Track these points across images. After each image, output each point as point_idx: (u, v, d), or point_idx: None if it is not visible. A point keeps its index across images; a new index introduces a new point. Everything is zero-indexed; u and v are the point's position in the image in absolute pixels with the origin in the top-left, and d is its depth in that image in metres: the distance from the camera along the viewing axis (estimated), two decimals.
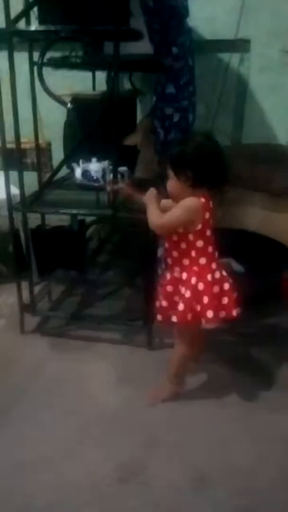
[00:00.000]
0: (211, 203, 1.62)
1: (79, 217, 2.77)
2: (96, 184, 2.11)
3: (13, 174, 1.95)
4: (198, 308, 1.63)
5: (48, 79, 1.79)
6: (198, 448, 1.59)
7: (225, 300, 1.65)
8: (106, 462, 1.52)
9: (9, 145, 1.92)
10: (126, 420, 1.71)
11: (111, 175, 1.87)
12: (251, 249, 2.67)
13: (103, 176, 2.10)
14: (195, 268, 1.66)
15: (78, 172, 2.15)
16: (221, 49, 3.00)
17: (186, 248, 1.66)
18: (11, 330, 2.21)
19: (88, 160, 2.15)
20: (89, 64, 2.43)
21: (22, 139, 1.92)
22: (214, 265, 1.67)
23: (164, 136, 1.98)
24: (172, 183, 1.61)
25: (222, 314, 1.65)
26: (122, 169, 2.06)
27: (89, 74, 2.92)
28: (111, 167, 2.06)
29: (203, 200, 1.59)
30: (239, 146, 3.13)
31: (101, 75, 2.90)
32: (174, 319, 1.66)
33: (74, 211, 2.08)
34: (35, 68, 1.94)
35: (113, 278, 2.71)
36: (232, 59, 3.00)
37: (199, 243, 1.64)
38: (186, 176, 1.57)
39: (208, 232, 1.64)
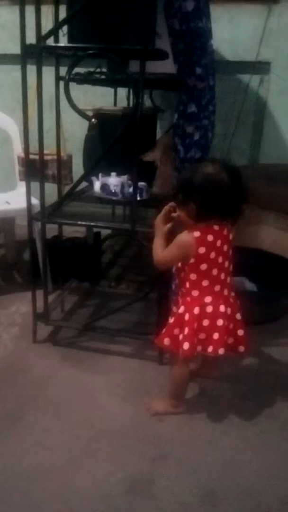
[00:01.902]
0: (210, 236, 1.57)
1: (95, 230, 2.81)
2: (114, 198, 2.14)
3: (34, 185, 1.99)
4: (180, 337, 1.64)
5: (71, 94, 1.83)
6: (207, 465, 1.58)
7: (216, 336, 1.62)
8: (114, 474, 1.53)
9: (31, 157, 1.96)
10: (135, 433, 1.71)
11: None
12: (265, 268, 2.68)
13: (122, 190, 2.14)
14: (188, 298, 1.66)
15: (97, 186, 2.19)
16: (241, 71, 3.05)
17: (182, 278, 1.68)
18: (23, 338, 2.23)
19: (107, 174, 2.19)
20: (113, 81, 2.48)
21: (44, 151, 1.96)
22: (208, 299, 1.63)
23: (184, 153, 2.00)
24: (180, 210, 1.62)
25: (210, 349, 1.63)
26: (141, 184, 2.09)
27: (110, 90, 2.98)
28: (129, 181, 2.10)
29: (196, 235, 1.56)
30: (256, 165, 3.16)
31: (121, 91, 2.96)
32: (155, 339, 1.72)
33: (92, 224, 2.11)
34: (61, 83, 1.99)
35: (126, 291, 2.73)
36: (252, 80, 3.05)
37: (192, 276, 1.63)
38: (190, 207, 1.56)
39: (204, 267, 1.60)
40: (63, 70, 1.88)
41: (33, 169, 1.99)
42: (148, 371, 2.04)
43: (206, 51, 1.97)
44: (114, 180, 2.15)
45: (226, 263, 1.64)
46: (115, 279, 2.88)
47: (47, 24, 1.86)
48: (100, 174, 2.19)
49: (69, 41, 1.86)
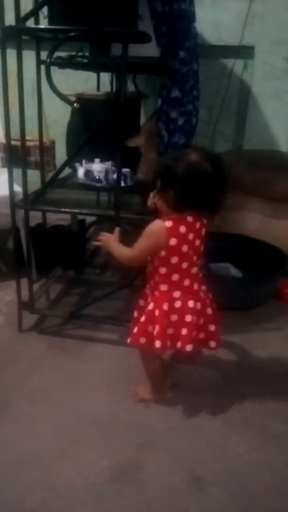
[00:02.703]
0: (182, 228, 1.50)
1: (79, 217, 2.79)
2: (98, 185, 2.12)
3: (16, 172, 1.96)
4: (155, 333, 1.59)
5: (53, 78, 1.79)
6: (193, 450, 1.60)
7: (184, 331, 1.57)
8: (100, 461, 1.53)
9: (13, 142, 1.92)
10: (121, 420, 1.71)
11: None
12: (249, 254, 2.69)
13: (106, 176, 2.11)
14: (156, 293, 1.61)
15: (80, 172, 2.16)
16: (225, 55, 3.03)
17: (151, 271, 1.62)
18: (9, 327, 2.21)
19: (91, 160, 2.16)
20: (95, 64, 2.44)
21: (26, 137, 1.92)
22: (177, 294, 1.58)
23: (168, 139, 1.99)
24: (158, 197, 1.53)
25: (178, 344, 1.58)
26: (125, 170, 2.07)
27: (92, 75, 2.94)
28: (113, 168, 2.07)
29: (168, 225, 1.49)
30: (240, 151, 3.16)
31: (104, 76, 2.92)
32: (128, 339, 1.66)
33: (76, 211, 2.08)
34: (42, 67, 1.95)
35: (112, 279, 2.71)
36: (236, 65, 3.03)
37: (162, 270, 1.57)
38: (169, 195, 1.48)
39: (175, 260, 1.54)
40: (44, 55, 1.84)
41: (15, 155, 1.95)
42: (134, 358, 2.02)
43: (189, 34, 1.95)
44: (98, 167, 2.13)
45: (195, 257, 1.58)
46: (100, 267, 2.86)
47: (27, 5, 1.81)
48: (83, 161, 2.16)
49: (50, 23, 1.82)
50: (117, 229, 1.75)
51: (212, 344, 1.68)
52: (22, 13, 1.71)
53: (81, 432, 1.65)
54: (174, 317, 1.59)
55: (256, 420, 1.74)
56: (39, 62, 2.04)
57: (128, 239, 1.69)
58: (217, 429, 1.70)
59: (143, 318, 1.63)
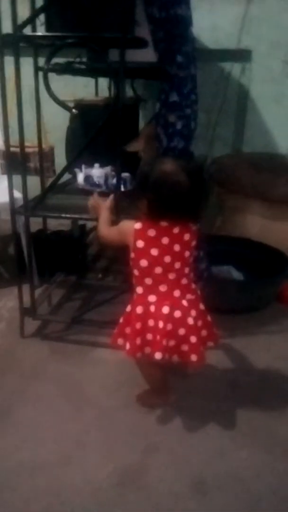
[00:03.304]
0: (151, 231, 1.49)
1: (80, 222, 2.79)
2: (98, 190, 2.12)
3: (16, 178, 1.96)
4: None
5: (51, 85, 1.80)
6: (197, 454, 1.59)
7: (153, 337, 1.54)
8: (105, 467, 1.53)
9: (12, 149, 1.93)
10: (125, 425, 1.71)
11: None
12: (251, 256, 2.69)
13: (106, 181, 2.12)
14: (134, 295, 1.61)
15: (80, 177, 2.17)
16: (223, 59, 3.04)
17: (130, 272, 1.61)
18: (11, 333, 2.21)
19: (90, 165, 2.17)
20: (93, 70, 2.45)
21: (25, 144, 1.93)
22: (152, 298, 1.56)
23: (167, 143, 1.98)
24: (139, 200, 1.52)
25: (147, 350, 1.56)
26: (125, 175, 2.07)
27: (91, 81, 2.96)
28: (113, 172, 2.08)
29: (137, 227, 1.50)
30: (240, 154, 3.16)
31: (103, 82, 2.93)
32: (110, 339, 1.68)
33: (77, 216, 2.09)
34: (40, 74, 1.96)
35: (113, 283, 2.72)
36: (234, 68, 3.04)
37: (135, 272, 1.57)
38: (142, 201, 1.48)
39: (144, 263, 1.52)
40: (42, 62, 1.84)
41: (15, 162, 1.96)
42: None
43: (186, 38, 1.95)
44: (97, 172, 2.14)
45: (178, 265, 1.54)
46: (102, 272, 2.87)
47: (24, 13, 1.82)
48: (83, 166, 2.17)
49: (47, 30, 1.83)
50: (110, 197, 1.77)
51: (194, 357, 1.56)
52: (19, 21, 1.72)
53: (85, 437, 1.65)
54: (151, 322, 1.55)
55: (260, 423, 1.74)
56: (36, 68, 2.05)
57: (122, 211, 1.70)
58: (221, 432, 1.69)
59: (121, 319, 1.64)
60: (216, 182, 2.94)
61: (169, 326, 1.53)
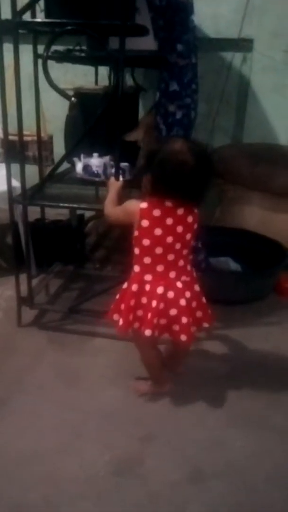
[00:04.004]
0: (156, 211, 1.50)
1: (78, 212, 2.78)
2: (97, 179, 2.11)
3: (14, 167, 1.95)
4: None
5: (50, 73, 1.78)
6: (195, 444, 1.60)
7: (146, 315, 1.59)
8: (102, 456, 1.53)
9: (11, 137, 1.92)
10: (123, 414, 1.72)
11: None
12: (249, 248, 2.69)
13: (104, 171, 2.11)
14: (131, 273, 1.64)
15: (79, 167, 2.15)
16: (224, 48, 3.01)
17: (130, 251, 1.63)
18: (8, 323, 2.21)
19: (89, 155, 2.15)
20: (93, 58, 2.42)
21: (24, 132, 1.91)
22: (148, 277, 1.59)
23: (166, 132, 1.97)
24: (144, 179, 1.55)
25: (136, 325, 1.61)
26: (124, 164, 2.06)
27: (91, 69, 2.93)
28: (112, 162, 2.06)
29: (143, 206, 1.51)
30: (240, 145, 3.15)
31: (103, 71, 2.91)
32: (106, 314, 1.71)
33: (75, 205, 2.08)
34: (39, 61, 1.94)
35: (112, 273, 2.71)
36: (235, 58, 3.01)
37: (136, 250, 1.59)
38: (148, 178, 1.51)
39: (147, 242, 1.54)
40: (41, 49, 1.82)
41: (13, 150, 1.94)
42: (135, 352, 2.02)
43: (187, 27, 1.93)
44: (96, 161, 2.12)
45: (179, 246, 1.56)
46: (100, 261, 2.86)
47: None
48: (82, 155, 2.16)
49: (46, 16, 1.81)
50: (121, 180, 1.80)
51: (183, 337, 1.60)
52: (19, 7, 1.70)
53: (82, 426, 1.65)
54: (144, 300, 1.60)
55: (258, 413, 1.74)
56: (36, 56, 2.03)
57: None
58: (219, 422, 1.70)
59: (117, 296, 1.67)
60: (215, 173, 2.92)
61: (162, 305, 1.57)
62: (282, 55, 2.97)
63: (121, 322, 1.62)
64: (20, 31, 1.77)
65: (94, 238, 3.11)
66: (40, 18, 1.85)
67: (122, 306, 1.64)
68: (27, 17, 1.79)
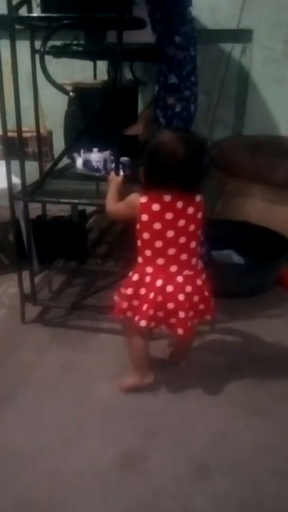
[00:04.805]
0: (155, 206, 1.51)
1: (80, 208, 2.78)
2: (97, 174, 2.10)
3: (14, 164, 1.94)
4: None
5: (48, 68, 1.77)
6: (199, 437, 1.60)
7: (142, 306, 1.60)
8: (107, 451, 1.53)
9: (10, 134, 1.91)
10: (126, 410, 1.72)
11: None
12: (252, 240, 2.68)
13: (105, 166, 2.10)
14: (137, 263, 1.65)
15: (79, 162, 2.14)
16: (223, 39, 2.99)
17: (135, 242, 1.64)
18: (12, 319, 2.21)
19: (89, 150, 2.14)
20: (91, 53, 2.41)
21: (23, 128, 1.91)
22: (149, 269, 1.60)
23: (166, 126, 1.96)
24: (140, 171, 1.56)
25: (137, 317, 1.61)
26: (124, 159, 2.05)
27: (89, 64, 2.91)
28: (112, 157, 2.05)
29: (143, 200, 1.52)
30: (241, 137, 3.13)
31: (101, 65, 2.89)
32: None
33: (76, 201, 2.07)
34: (37, 57, 1.92)
35: (114, 268, 2.71)
36: (234, 49, 2.99)
37: (138, 242, 1.60)
38: (142, 170, 1.53)
39: (146, 235, 1.56)
40: (39, 44, 1.81)
41: (13, 147, 1.93)
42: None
43: (185, 19, 1.91)
44: (96, 156, 2.11)
45: (183, 239, 1.56)
46: (102, 257, 2.86)
47: None
48: (82, 150, 2.14)
49: (43, 11, 1.79)
50: (121, 175, 1.80)
51: (180, 331, 1.61)
52: (14, 1, 1.69)
53: (86, 422, 1.65)
54: (142, 291, 1.62)
55: (262, 406, 1.74)
56: (33, 51, 2.01)
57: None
58: (223, 415, 1.70)
59: (122, 283, 1.70)
60: (216, 165, 2.91)
61: (159, 298, 1.59)
62: (282, 46, 2.94)
63: (119, 305, 1.66)
64: (17, 26, 1.76)
65: (96, 233, 3.11)
66: (36, 13, 1.83)
67: (123, 291, 1.68)
68: (23, 12, 1.78)
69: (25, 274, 2.15)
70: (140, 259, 1.63)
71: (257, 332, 2.17)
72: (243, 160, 2.78)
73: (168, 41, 1.85)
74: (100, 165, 2.09)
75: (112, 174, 1.79)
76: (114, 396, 1.77)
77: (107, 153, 2.12)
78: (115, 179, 1.75)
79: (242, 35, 2.94)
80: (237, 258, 2.65)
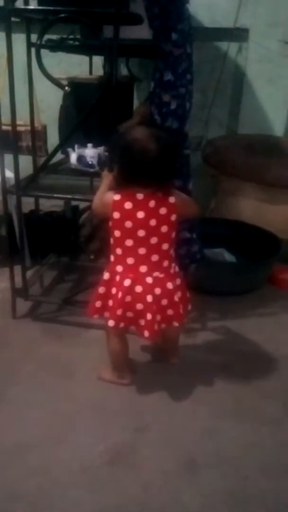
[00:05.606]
0: (128, 204, 1.50)
1: (73, 203, 2.77)
2: (91, 170, 2.10)
3: (7, 157, 1.93)
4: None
5: (44, 62, 1.77)
6: (188, 434, 1.61)
7: (111, 305, 1.61)
8: (96, 446, 1.54)
9: (4, 127, 1.90)
10: (116, 405, 1.72)
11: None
12: (244, 239, 2.69)
13: (99, 161, 2.09)
14: (109, 262, 1.65)
15: (73, 157, 2.13)
16: (219, 38, 2.99)
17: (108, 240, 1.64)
18: (3, 314, 2.20)
19: (83, 145, 2.14)
20: (87, 47, 2.40)
21: (18, 122, 1.89)
22: (119, 268, 1.59)
23: (161, 122, 1.95)
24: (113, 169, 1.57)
25: (106, 314, 1.63)
26: None
27: (85, 59, 2.90)
28: (106, 153, 2.05)
29: (116, 198, 1.51)
30: (235, 136, 3.13)
31: (97, 61, 2.88)
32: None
33: (69, 196, 2.07)
34: (32, 50, 1.92)
35: (105, 264, 2.70)
36: (230, 48, 2.99)
37: (111, 240, 1.59)
38: (114, 168, 1.54)
39: (117, 233, 1.55)
40: (35, 38, 1.80)
41: (6, 140, 1.92)
42: (130, 343, 2.03)
43: (182, 16, 1.91)
44: (90, 152, 2.10)
45: (154, 240, 1.54)
46: (95, 253, 2.85)
47: None
48: (76, 146, 2.14)
49: (39, 4, 1.78)
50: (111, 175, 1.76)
51: (146, 333, 1.60)
52: None
53: (76, 417, 1.66)
54: (113, 290, 1.61)
55: (250, 403, 1.75)
56: (29, 45, 2.00)
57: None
58: (212, 412, 1.70)
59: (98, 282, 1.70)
60: (210, 164, 2.91)
61: (128, 298, 1.58)
62: (278, 45, 2.95)
63: (90, 307, 1.66)
64: (13, 19, 1.75)
65: (88, 229, 3.10)
66: (33, 5, 1.82)
67: (97, 290, 1.67)
68: (19, 4, 1.77)
69: (17, 269, 2.14)
70: (112, 258, 1.62)
71: (248, 330, 2.19)
72: (237, 159, 2.79)
73: (165, 37, 1.85)
74: (94, 161, 2.09)
75: (106, 172, 1.76)
76: (104, 392, 1.78)
77: (101, 149, 2.11)
78: (109, 176, 1.73)
79: (238, 34, 2.94)
80: (229, 257, 2.66)
